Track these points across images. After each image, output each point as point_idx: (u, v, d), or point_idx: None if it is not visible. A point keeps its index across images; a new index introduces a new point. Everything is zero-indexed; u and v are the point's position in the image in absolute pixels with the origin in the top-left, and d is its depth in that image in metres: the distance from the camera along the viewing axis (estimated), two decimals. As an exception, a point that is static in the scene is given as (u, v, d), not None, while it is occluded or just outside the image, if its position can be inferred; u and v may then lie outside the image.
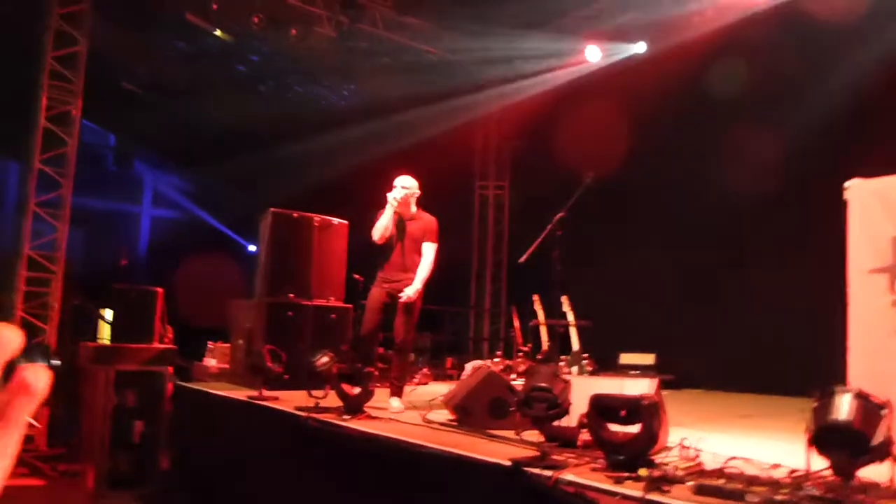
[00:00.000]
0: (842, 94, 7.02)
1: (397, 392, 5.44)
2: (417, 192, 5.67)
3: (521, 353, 7.27)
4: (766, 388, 7.55)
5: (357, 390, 4.84)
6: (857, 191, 3.47)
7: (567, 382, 3.52)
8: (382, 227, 5.51)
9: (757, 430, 4.98)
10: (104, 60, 9.48)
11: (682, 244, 8.65)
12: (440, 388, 6.08)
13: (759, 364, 7.94)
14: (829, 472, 2.63)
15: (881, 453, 2.41)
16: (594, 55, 9.45)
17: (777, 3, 7.65)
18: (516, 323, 7.63)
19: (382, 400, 5.34)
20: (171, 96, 11.47)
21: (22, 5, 7.97)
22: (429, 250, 5.54)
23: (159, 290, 7.16)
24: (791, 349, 7.44)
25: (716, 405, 6.94)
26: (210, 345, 7.52)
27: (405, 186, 5.56)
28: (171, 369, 6.84)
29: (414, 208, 5.67)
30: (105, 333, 8.27)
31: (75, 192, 7.83)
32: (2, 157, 11.67)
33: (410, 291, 5.39)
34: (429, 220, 5.65)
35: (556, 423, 3.70)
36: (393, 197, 5.48)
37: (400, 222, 5.59)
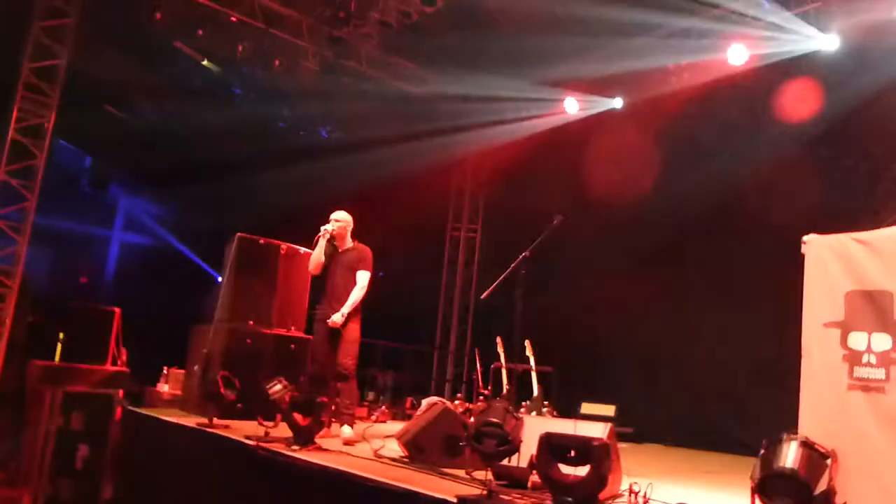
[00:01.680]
0: (805, 149, 7.25)
1: (349, 421, 5.48)
2: (350, 224, 5.90)
3: (481, 396, 7.18)
4: (732, 447, 7.49)
5: (308, 421, 4.73)
6: (814, 246, 3.51)
7: (519, 420, 3.47)
8: (315, 257, 5.80)
9: (714, 484, 4.93)
10: (88, 81, 9.45)
11: (652, 296, 8.69)
12: (398, 427, 5.97)
13: (729, 422, 7.90)
14: (774, 522, 2.59)
15: (823, 503, 2.38)
16: (572, 107, 9.63)
17: (754, 66, 7.89)
18: (478, 365, 7.55)
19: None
20: (153, 122, 11.43)
21: (4, 15, 7.93)
22: (361, 277, 5.72)
23: (116, 310, 7.00)
24: (759, 408, 7.41)
25: (677, 460, 6.87)
26: (165, 370, 7.33)
27: (337, 220, 5.82)
28: (122, 393, 6.64)
29: (350, 241, 5.88)
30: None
31: (47, 213, 7.72)
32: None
33: (335, 316, 5.53)
34: (362, 249, 5.86)
35: (507, 464, 3.64)
36: (324, 228, 5.73)
37: (334, 254, 5.83)
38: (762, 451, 2.60)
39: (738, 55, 7.84)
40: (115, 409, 6.42)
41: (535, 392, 7.22)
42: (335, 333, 5.59)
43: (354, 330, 5.64)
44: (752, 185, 7.70)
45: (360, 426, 6.35)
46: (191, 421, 5.69)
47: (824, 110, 7.29)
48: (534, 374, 7.20)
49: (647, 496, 3.44)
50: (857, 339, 3.29)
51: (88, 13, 7.95)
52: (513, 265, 5.58)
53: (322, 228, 5.73)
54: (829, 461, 2.48)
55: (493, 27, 8.90)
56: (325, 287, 5.80)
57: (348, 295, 5.64)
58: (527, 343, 7.19)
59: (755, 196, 7.66)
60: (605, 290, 9.08)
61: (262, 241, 6.80)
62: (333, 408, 5.88)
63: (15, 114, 7.40)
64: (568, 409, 7.65)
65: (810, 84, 7.44)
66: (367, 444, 5.07)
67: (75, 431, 6.18)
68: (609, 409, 8.01)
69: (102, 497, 6.30)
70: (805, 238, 3.56)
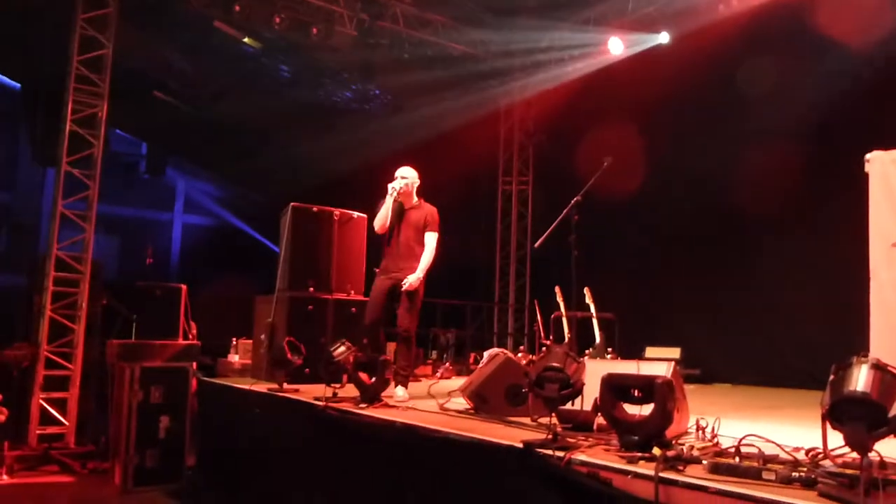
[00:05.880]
0: (865, 71, 6.88)
1: (403, 381, 5.42)
2: (417, 181, 5.73)
3: (543, 347, 7.18)
4: (803, 382, 7.32)
5: (374, 379, 4.83)
6: (878, 163, 3.35)
7: (580, 363, 3.45)
8: (382, 216, 5.61)
9: (785, 417, 4.85)
10: (135, 70, 9.66)
11: (713, 236, 8.49)
12: (462, 382, 6.04)
13: (796, 358, 7.74)
14: (847, 449, 2.52)
15: (899, 424, 2.30)
16: (617, 47, 9.34)
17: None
18: (539, 317, 7.55)
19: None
20: (201, 103, 11.63)
21: (50, 10, 8.15)
22: (430, 239, 5.57)
23: (183, 286, 7.25)
24: (828, 340, 7.21)
25: (747, 398, 6.77)
26: (234, 341, 7.58)
27: (404, 177, 5.64)
28: (195, 365, 6.90)
29: (415, 198, 5.72)
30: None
31: (110, 201, 7.97)
32: (40, 163, 11.89)
33: (412, 279, 5.41)
34: (429, 209, 5.67)
35: (572, 408, 3.64)
36: (392, 186, 5.56)
37: (401, 212, 5.65)
38: (832, 377, 2.52)
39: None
40: (191, 381, 6.69)
41: (598, 339, 7.18)
42: (399, 293, 5.48)
43: (419, 292, 5.53)
44: (815, 111, 7.37)
45: (426, 384, 6.47)
46: (262, 387, 5.87)
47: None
48: (595, 322, 7.16)
49: (715, 431, 3.39)
50: (931, 257, 3.15)
51: (128, 1, 8.10)
52: (565, 211, 5.50)
53: (389, 186, 5.57)
54: (903, 382, 2.38)
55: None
56: (390, 245, 5.64)
57: (414, 253, 5.51)
58: (586, 290, 7.14)
59: (817, 123, 7.33)
60: (665, 232, 8.92)
61: (315, 209, 6.88)
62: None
63: (70, 105, 7.65)
64: (632, 355, 7.59)
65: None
66: (432, 399, 5.14)
67: (156, 404, 6.45)
68: (674, 352, 7.93)
69: (186, 464, 6.62)
70: (868, 156, 3.40)
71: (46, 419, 7.40)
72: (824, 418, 2.52)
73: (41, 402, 7.36)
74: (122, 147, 14.50)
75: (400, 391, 5.33)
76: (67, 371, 7.51)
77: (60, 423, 7.43)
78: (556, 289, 7.04)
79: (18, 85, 11.77)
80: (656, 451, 2.91)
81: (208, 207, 17.08)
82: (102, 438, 7.29)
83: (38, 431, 7.31)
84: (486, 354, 4.89)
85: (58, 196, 7.61)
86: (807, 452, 2.93)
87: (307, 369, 5.94)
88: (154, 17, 9.02)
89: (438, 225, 5.63)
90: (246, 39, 9.64)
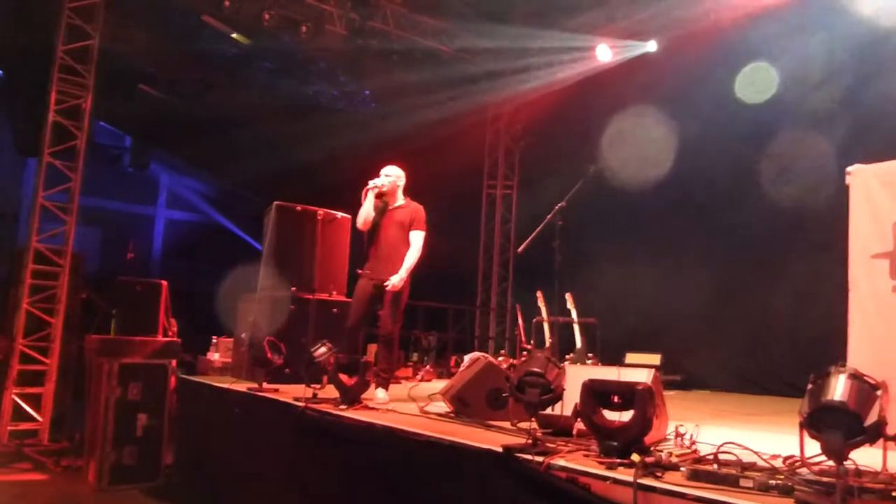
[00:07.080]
0: (848, 86, 6.97)
1: (383, 384, 5.33)
2: (403, 180, 5.62)
3: (524, 351, 7.20)
4: (782, 390, 7.39)
5: (354, 381, 4.81)
6: (860, 176, 3.40)
7: (561, 368, 3.46)
8: (364, 213, 5.48)
9: (763, 424, 4.90)
10: (121, 62, 9.57)
11: (694, 245, 8.56)
12: (443, 385, 6.02)
13: (775, 366, 7.82)
14: (824, 457, 2.55)
15: (874, 434, 2.33)
16: (605, 54, 9.39)
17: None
18: (520, 321, 7.56)
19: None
20: (187, 98, 11.54)
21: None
22: (416, 238, 5.43)
23: (163, 282, 7.18)
24: (807, 350, 7.29)
25: (726, 404, 6.82)
26: (214, 339, 7.52)
27: (388, 174, 5.54)
28: (175, 363, 6.83)
29: (401, 197, 5.61)
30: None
31: (92, 193, 7.87)
32: (21, 153, 11.73)
33: (395, 279, 5.28)
34: (416, 207, 5.54)
35: (552, 413, 3.64)
36: (373, 183, 5.45)
37: (385, 211, 5.53)
38: (810, 386, 2.55)
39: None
40: (170, 379, 6.61)
41: (579, 344, 7.21)
42: (383, 295, 5.35)
43: (404, 294, 5.41)
44: (799, 120, 7.45)
45: (406, 386, 6.45)
46: (242, 386, 5.83)
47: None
48: (576, 327, 7.18)
49: (694, 438, 3.41)
50: (908, 270, 3.19)
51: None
52: (548, 217, 5.50)
53: (371, 183, 5.45)
54: (879, 392, 2.42)
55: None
56: (375, 245, 5.51)
57: (399, 253, 5.37)
58: (568, 296, 7.16)
59: (802, 133, 7.41)
60: (647, 238, 8.97)
61: (299, 209, 6.84)
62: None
63: (53, 96, 7.56)
64: (613, 361, 7.62)
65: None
66: (413, 402, 5.12)
67: (133, 401, 6.37)
68: (654, 359, 7.98)
69: (164, 462, 6.55)
70: (849, 168, 3.44)
71: (19, 415, 7.28)
72: (802, 426, 2.54)
73: (14, 397, 7.25)
74: (106, 139, 14.35)
75: (380, 393, 5.26)
76: (43, 366, 7.41)
77: (34, 419, 7.33)
78: (538, 293, 7.06)
79: (1, 72, 11.60)
80: (635, 457, 2.92)
81: (192, 203, 16.95)
82: (77, 435, 7.19)
83: (9, 427, 7.20)
84: (467, 358, 4.88)
85: (38, 187, 7.52)
86: (784, 460, 2.96)
87: (287, 369, 5.90)
88: (142, 9, 8.95)
89: (425, 223, 5.50)
90: (234, 35, 9.57)
